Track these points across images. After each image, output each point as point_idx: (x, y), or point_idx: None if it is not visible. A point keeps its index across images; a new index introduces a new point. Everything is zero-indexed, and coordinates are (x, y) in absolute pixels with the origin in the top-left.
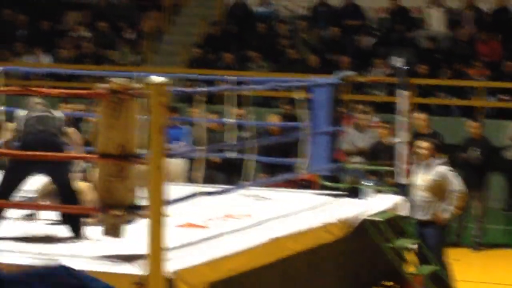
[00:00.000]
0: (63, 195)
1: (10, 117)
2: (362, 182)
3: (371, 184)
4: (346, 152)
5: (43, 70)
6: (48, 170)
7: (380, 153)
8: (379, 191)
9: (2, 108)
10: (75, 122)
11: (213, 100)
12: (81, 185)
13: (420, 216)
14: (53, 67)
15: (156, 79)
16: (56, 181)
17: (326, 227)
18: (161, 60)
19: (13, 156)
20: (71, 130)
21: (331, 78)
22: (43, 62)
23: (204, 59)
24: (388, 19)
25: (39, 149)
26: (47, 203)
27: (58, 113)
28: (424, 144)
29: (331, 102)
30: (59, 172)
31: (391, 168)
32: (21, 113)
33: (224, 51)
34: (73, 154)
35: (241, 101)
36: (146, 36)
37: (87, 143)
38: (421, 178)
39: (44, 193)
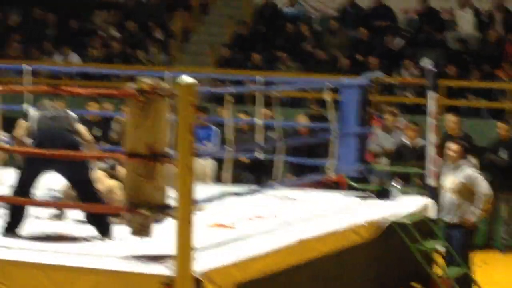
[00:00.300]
0: (80, 193)
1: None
2: (391, 184)
3: (399, 186)
4: (373, 153)
5: (72, 69)
6: (63, 167)
7: (405, 155)
8: (407, 193)
9: (29, 106)
10: (105, 121)
11: (241, 100)
12: (110, 183)
13: (448, 218)
14: (82, 66)
15: (185, 79)
16: (71, 179)
17: (354, 229)
18: (189, 60)
19: (29, 153)
20: (82, 128)
21: (360, 79)
22: (72, 61)
23: (233, 59)
24: (417, 20)
25: (52, 145)
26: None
27: (70, 112)
28: (453, 146)
29: (360, 103)
30: (74, 170)
31: (419, 170)
32: (35, 112)
33: (253, 51)
34: (93, 152)
35: (269, 102)
36: (174, 35)
37: (114, 142)
38: (450, 180)
39: (66, 196)
